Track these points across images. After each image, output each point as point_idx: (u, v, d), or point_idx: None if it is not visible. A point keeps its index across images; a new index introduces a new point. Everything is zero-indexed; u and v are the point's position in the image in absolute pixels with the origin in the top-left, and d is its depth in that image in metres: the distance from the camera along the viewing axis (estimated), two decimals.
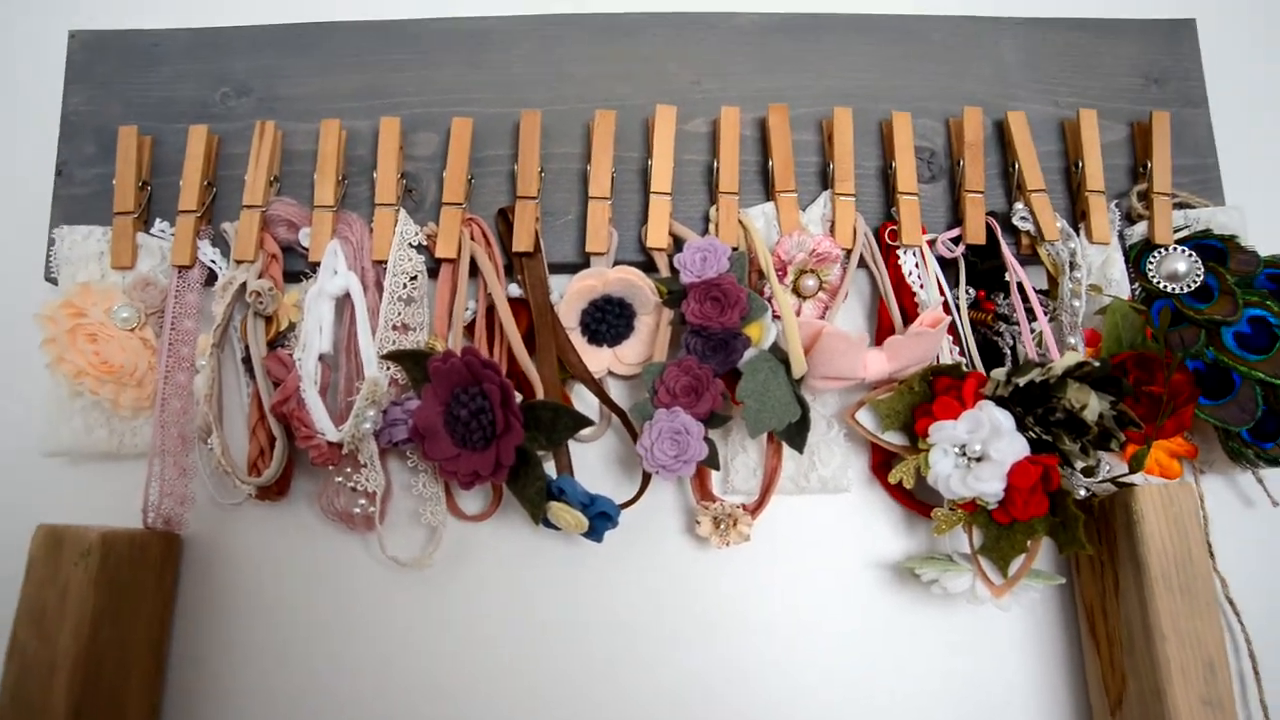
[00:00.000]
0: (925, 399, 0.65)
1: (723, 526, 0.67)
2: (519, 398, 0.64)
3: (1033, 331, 0.69)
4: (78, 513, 0.70)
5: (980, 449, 0.62)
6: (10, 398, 0.74)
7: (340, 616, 0.70)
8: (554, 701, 0.68)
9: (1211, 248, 0.72)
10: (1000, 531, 0.63)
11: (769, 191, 0.74)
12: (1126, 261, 0.72)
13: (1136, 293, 0.72)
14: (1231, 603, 0.68)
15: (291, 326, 0.71)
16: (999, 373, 0.63)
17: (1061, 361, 0.61)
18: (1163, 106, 0.76)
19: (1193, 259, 0.71)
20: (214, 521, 0.72)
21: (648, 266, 0.72)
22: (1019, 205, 0.72)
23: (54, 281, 0.73)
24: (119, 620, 0.64)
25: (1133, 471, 0.64)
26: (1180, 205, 0.74)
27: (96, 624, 0.61)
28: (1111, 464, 0.66)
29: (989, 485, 0.61)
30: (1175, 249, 0.71)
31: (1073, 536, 0.60)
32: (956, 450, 0.63)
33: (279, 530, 0.71)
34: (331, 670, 0.69)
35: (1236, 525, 0.71)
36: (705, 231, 0.73)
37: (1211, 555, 0.68)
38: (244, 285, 0.70)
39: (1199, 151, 0.76)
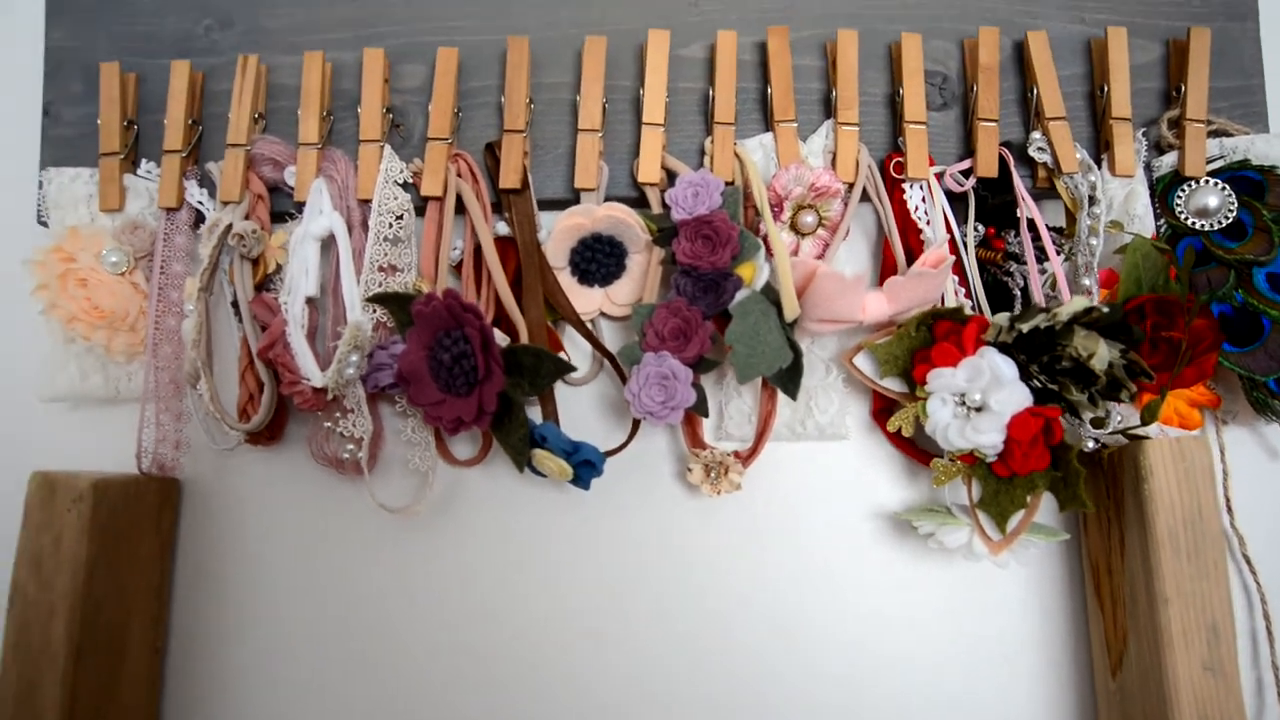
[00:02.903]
0: (925, 344, 0.62)
1: (714, 474, 0.66)
2: (505, 341, 0.62)
3: (1046, 272, 0.65)
4: (78, 458, 0.71)
5: (980, 399, 0.59)
6: (8, 344, 0.75)
7: (334, 559, 0.70)
8: (541, 650, 0.68)
9: (1248, 180, 0.66)
10: (999, 485, 0.60)
11: (768, 121, 0.70)
12: (1152, 196, 0.67)
13: (1162, 230, 0.67)
14: (1248, 560, 0.65)
15: (279, 269, 0.70)
16: (1001, 318, 0.59)
17: (1067, 307, 0.57)
18: (1204, 21, 0.70)
19: (1226, 193, 0.65)
20: (212, 465, 0.72)
21: (640, 202, 0.69)
22: (1036, 134, 0.67)
23: (46, 224, 0.72)
24: (116, 564, 0.65)
25: (1145, 423, 0.60)
26: (1216, 133, 0.68)
27: (91, 568, 0.62)
28: (1124, 414, 0.63)
29: (987, 437, 0.58)
30: (1207, 182, 0.66)
31: (1073, 494, 0.57)
32: (955, 399, 0.60)
33: (275, 474, 0.72)
34: (326, 610, 0.70)
35: (1259, 479, 0.68)
36: (700, 165, 0.70)
37: (1230, 510, 0.65)
38: (229, 227, 0.69)
39: (1244, 72, 0.70)
